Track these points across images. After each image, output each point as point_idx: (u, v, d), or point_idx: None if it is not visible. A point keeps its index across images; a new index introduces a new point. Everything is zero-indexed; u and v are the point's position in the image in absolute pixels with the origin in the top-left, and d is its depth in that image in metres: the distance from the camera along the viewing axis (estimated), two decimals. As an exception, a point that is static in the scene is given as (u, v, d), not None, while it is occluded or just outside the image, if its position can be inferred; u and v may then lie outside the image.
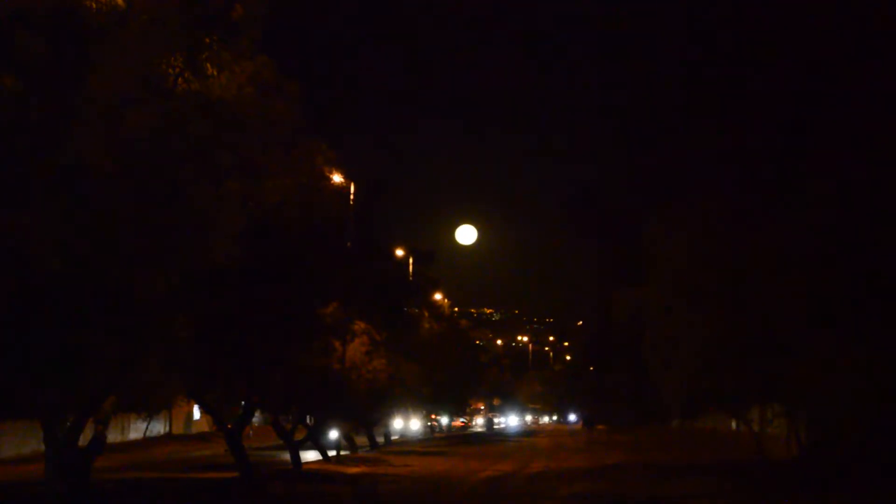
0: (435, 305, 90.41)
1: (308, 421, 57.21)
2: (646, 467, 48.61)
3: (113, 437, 58.27)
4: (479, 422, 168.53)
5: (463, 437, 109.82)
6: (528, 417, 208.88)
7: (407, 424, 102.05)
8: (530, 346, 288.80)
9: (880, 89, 29.54)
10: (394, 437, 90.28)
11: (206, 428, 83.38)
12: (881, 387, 30.62)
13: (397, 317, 63.49)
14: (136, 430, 76.01)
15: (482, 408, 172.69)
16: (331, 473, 48.13)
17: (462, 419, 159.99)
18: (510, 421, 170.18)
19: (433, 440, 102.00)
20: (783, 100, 32.35)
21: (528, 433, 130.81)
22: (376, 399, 59.86)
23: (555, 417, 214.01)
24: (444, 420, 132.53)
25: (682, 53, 36.33)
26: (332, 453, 57.08)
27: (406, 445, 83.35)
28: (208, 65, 23.60)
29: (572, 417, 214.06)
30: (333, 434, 59.38)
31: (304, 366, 40.28)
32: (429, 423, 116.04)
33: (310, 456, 56.14)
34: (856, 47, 29.97)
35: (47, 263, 20.21)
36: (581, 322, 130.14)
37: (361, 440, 73.69)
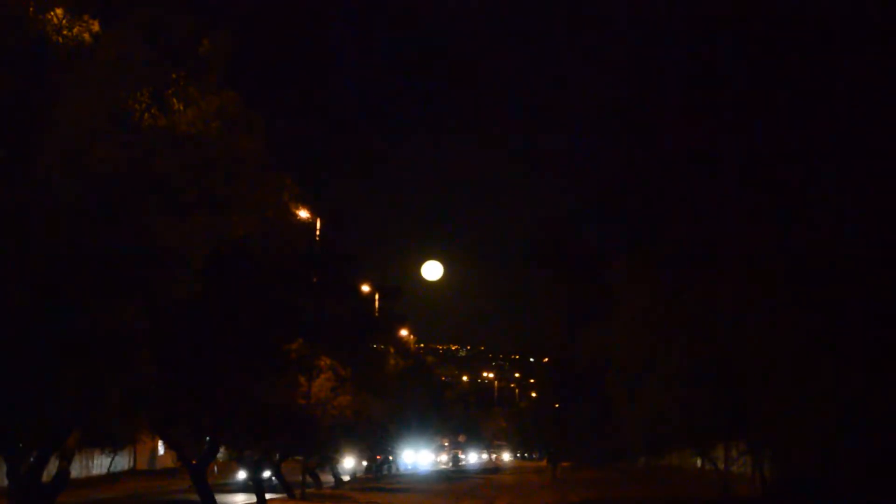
0: (401, 341, 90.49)
1: (273, 457, 57.03)
2: (611, 504, 48.70)
3: (77, 472, 57.87)
4: (443, 458, 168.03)
5: (427, 475, 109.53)
6: (492, 455, 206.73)
7: (367, 461, 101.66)
8: (496, 382, 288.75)
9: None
10: (358, 475, 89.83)
11: (170, 463, 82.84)
12: (843, 425, 30.80)
13: (363, 353, 63.43)
14: (101, 465, 75.59)
15: (446, 444, 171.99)
16: (295, 510, 48.05)
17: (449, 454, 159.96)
18: (470, 458, 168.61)
19: (396, 477, 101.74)
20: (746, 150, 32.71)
21: (492, 470, 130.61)
22: (342, 435, 59.77)
23: (517, 454, 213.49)
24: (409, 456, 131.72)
25: (652, 99, 36.57)
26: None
27: (370, 483, 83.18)
28: (175, 100, 23.64)
29: (508, 454, 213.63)
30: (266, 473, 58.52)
31: (269, 402, 40.13)
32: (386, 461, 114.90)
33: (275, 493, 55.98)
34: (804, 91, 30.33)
35: (11, 298, 20.17)
36: (547, 359, 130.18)
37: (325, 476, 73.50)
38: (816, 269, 29.84)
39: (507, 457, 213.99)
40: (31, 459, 27.25)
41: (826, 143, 30.12)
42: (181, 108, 23.77)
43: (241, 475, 59.59)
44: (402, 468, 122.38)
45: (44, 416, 24.36)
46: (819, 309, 30.22)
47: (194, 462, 40.31)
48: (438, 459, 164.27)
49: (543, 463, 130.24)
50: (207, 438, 41.38)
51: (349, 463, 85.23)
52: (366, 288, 71.51)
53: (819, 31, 31.12)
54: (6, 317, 20.74)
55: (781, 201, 30.79)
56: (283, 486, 56.70)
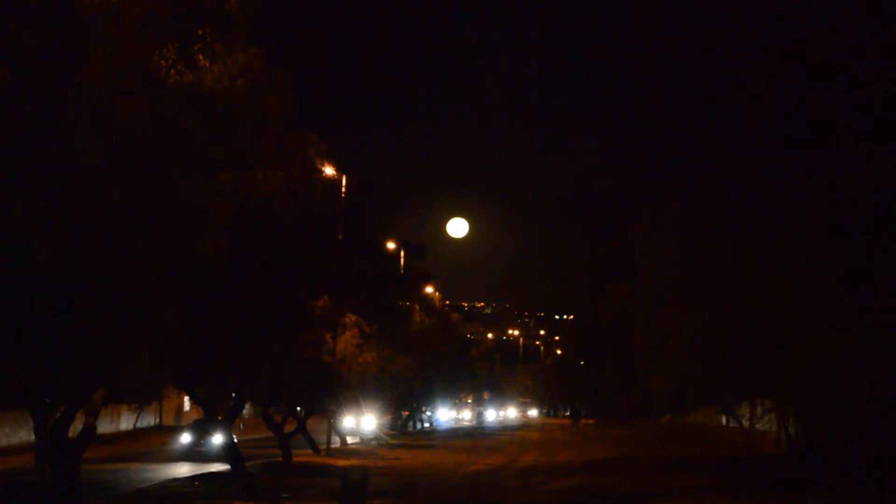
0: (426, 299, 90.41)
1: (299, 413, 57.27)
2: (636, 462, 48.70)
3: (103, 427, 58.34)
4: (466, 415, 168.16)
5: (451, 431, 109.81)
6: (510, 412, 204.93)
7: (392, 418, 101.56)
8: (521, 339, 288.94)
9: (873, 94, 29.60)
10: (383, 431, 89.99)
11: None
12: (870, 382, 30.68)
13: (388, 310, 63.49)
14: (127, 420, 76.16)
15: (469, 401, 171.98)
16: (321, 466, 48.22)
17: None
18: (488, 415, 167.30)
19: (421, 434, 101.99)
20: (777, 98, 32.39)
21: (517, 427, 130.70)
22: (367, 391, 59.95)
23: (542, 411, 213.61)
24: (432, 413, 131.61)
25: (677, 53, 36.23)
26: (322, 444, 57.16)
27: (395, 439, 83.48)
28: (200, 57, 23.60)
29: (534, 411, 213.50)
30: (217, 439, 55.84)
31: (294, 358, 40.31)
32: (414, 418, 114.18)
33: (301, 448, 56.20)
34: (851, 51, 29.99)
35: (38, 255, 20.23)
36: (572, 316, 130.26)
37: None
38: (851, 229, 29.62)
39: (532, 413, 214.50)
40: (58, 415, 27.41)
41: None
42: (207, 64, 23.74)
43: (185, 439, 54.54)
44: (426, 425, 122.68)
45: (71, 372, 24.49)
46: (849, 270, 30.05)
47: (220, 418, 40.49)
48: (461, 416, 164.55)
49: (565, 420, 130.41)
50: (233, 395, 41.55)
51: (374, 419, 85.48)
52: (391, 245, 71.51)
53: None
54: (32, 272, 20.82)
55: (819, 155, 30.53)
56: (309, 442, 56.98)
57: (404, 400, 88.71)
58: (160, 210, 22.29)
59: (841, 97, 30.13)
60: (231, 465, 39.52)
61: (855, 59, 29.81)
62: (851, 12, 30.41)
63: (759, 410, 48.57)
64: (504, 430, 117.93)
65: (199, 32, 23.52)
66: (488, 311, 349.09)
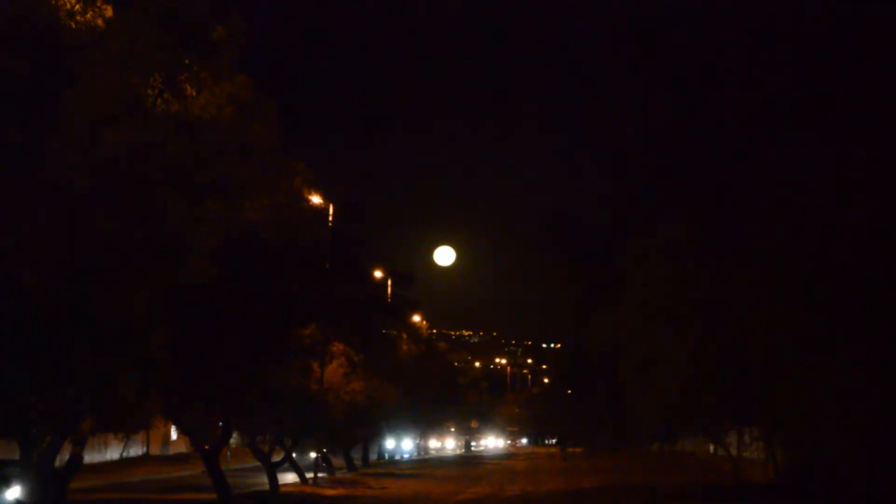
0: (413, 327, 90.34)
1: (285, 442, 57.06)
2: (624, 491, 48.57)
3: (90, 457, 57.97)
4: (449, 444, 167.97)
5: (439, 460, 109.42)
6: (490, 441, 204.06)
7: (379, 447, 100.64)
8: (508, 368, 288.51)
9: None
10: (370, 460, 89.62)
11: (183, 449, 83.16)
12: (858, 411, 30.67)
13: (375, 338, 63.42)
14: (114, 450, 75.72)
15: (452, 430, 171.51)
16: (308, 495, 48.00)
17: None
18: (482, 443, 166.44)
19: (408, 463, 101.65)
20: (761, 123, 32.45)
21: (504, 456, 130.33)
22: (354, 420, 59.77)
23: (530, 439, 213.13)
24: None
25: (666, 80, 36.29)
26: (309, 475, 56.88)
27: (382, 468, 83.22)
28: (187, 85, 23.62)
29: (523, 440, 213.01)
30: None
31: (281, 387, 40.13)
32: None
33: (288, 478, 55.98)
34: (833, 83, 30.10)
35: (24, 282, 20.18)
36: (559, 345, 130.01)
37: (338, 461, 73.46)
38: (835, 258, 29.67)
39: (522, 442, 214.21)
40: (45, 444, 27.27)
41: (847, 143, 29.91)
42: (194, 93, 23.77)
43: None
44: (413, 454, 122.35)
45: (58, 400, 24.39)
46: (835, 299, 30.07)
47: (207, 447, 40.33)
48: (445, 445, 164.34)
49: (553, 449, 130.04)
50: (220, 424, 41.40)
51: (361, 448, 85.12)
52: (378, 274, 71.54)
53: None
54: (20, 301, 20.76)
55: (800, 189, 30.59)
56: (296, 471, 56.77)
57: (392, 429, 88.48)
58: (146, 237, 22.26)
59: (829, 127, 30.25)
60: (218, 494, 39.37)
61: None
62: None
63: (746, 438, 48.50)
64: (491, 458, 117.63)
65: (186, 61, 23.55)
66: (475, 339, 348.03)
